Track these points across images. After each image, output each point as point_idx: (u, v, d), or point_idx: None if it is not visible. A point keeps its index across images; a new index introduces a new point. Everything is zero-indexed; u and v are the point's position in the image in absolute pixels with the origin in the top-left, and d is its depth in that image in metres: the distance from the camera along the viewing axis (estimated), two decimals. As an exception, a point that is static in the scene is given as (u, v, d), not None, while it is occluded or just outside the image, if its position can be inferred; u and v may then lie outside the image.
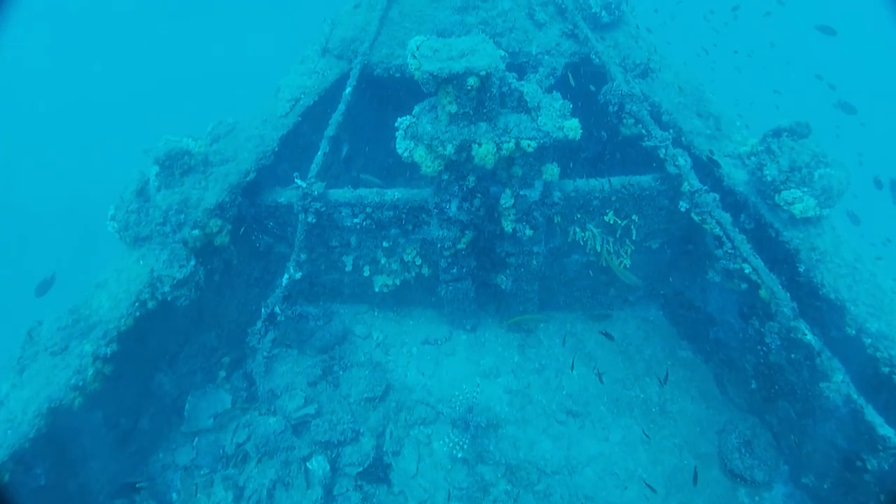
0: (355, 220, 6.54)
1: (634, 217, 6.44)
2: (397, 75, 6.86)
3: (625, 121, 6.28)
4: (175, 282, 5.43)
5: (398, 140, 5.39)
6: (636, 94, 6.02)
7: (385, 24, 7.03)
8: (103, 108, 23.84)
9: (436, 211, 5.94)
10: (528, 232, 6.05)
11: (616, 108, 6.13)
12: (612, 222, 6.37)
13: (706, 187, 5.70)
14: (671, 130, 6.02)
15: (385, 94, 7.43)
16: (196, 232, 5.70)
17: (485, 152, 5.17)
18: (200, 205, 5.83)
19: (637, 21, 7.10)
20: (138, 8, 28.66)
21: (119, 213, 5.63)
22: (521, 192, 5.78)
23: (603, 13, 6.81)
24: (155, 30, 28.13)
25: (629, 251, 6.75)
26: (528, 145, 5.18)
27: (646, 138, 5.94)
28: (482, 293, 7.45)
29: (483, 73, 4.76)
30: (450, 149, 5.21)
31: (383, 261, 6.96)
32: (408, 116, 5.46)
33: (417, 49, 5.00)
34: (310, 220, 6.28)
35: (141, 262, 5.66)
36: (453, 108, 5.01)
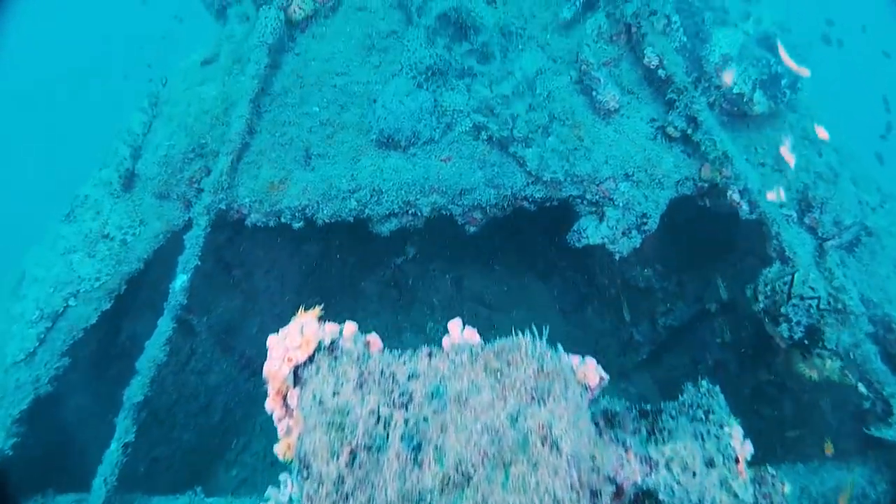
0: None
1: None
2: (298, 224, 3.09)
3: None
4: None
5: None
6: (854, 309, 2.57)
7: (269, 106, 3.08)
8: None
9: None
10: None
11: (800, 335, 2.67)
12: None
13: None
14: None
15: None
16: None
17: None
18: None
19: (805, 110, 3.30)
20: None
21: None
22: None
23: (756, 96, 2.93)
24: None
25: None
26: None
27: (880, 431, 2.53)
28: None
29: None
30: None
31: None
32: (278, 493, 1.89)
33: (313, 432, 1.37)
34: None
35: None
36: None
